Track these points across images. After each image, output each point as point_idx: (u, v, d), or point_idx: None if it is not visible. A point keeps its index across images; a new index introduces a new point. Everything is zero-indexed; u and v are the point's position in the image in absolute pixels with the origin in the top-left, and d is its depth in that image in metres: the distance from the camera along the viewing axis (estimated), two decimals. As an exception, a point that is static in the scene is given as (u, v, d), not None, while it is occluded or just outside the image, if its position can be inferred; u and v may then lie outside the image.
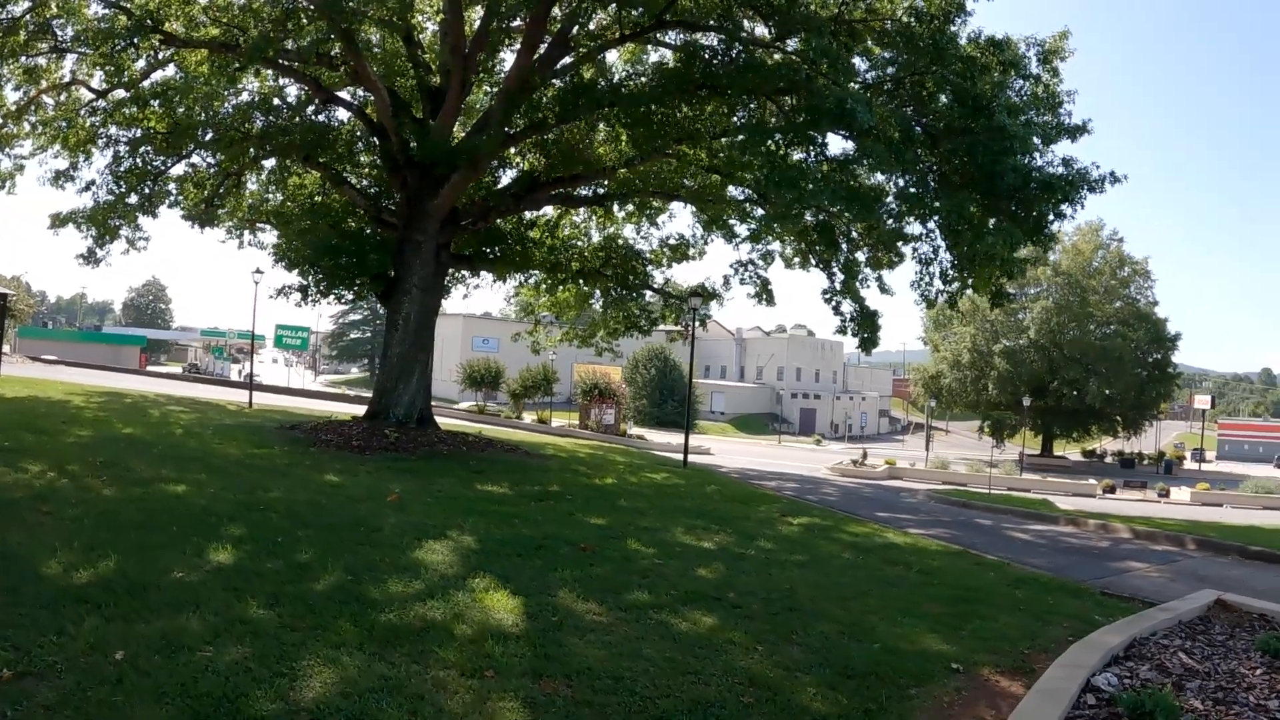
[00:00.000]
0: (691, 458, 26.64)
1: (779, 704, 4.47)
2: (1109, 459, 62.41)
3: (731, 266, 21.52)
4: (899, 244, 17.70)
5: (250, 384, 32.52)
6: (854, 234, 18.93)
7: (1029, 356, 53.41)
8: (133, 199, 18.99)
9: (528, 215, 21.23)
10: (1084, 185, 12.85)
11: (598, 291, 22.80)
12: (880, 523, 13.52)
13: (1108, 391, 51.36)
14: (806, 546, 9.68)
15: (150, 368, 66.32)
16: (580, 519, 9.67)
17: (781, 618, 6.15)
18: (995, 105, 12.61)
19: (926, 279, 15.78)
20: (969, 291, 16.77)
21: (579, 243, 22.24)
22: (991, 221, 13.88)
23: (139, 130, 18.06)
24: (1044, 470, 47.59)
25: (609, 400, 37.83)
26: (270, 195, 21.57)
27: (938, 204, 13.06)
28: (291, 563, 6.21)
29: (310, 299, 19.56)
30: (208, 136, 17.64)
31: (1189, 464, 61.25)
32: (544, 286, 22.76)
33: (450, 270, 19.88)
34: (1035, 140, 12.95)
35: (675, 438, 47.79)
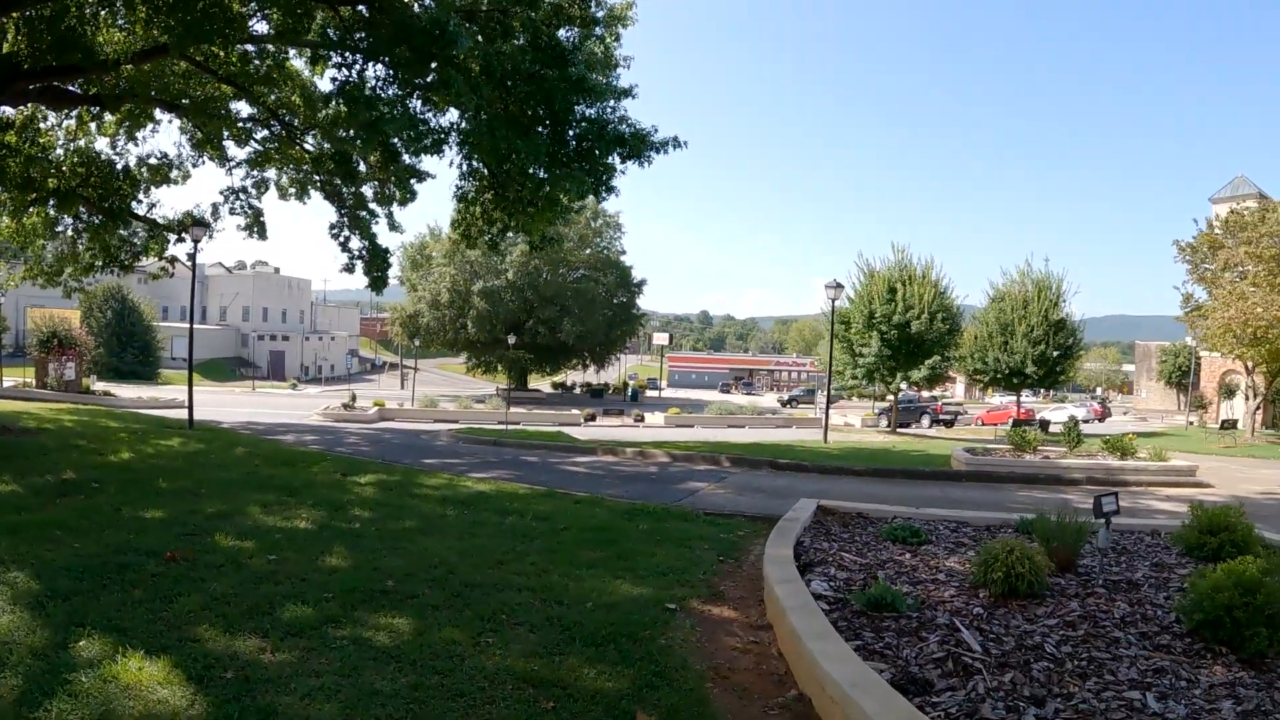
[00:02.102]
0: (165, 413, 24.54)
1: (576, 694, 4.05)
2: (578, 390, 70.22)
3: (222, 194, 19.19)
4: (413, 180, 17.44)
5: None
6: (361, 167, 18.06)
7: (507, 297, 57.18)
8: None
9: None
10: (651, 146, 13.73)
11: (67, 218, 18.77)
12: (441, 470, 13.31)
13: (580, 330, 57.50)
14: (405, 509, 9.03)
15: None
16: (133, 515, 7.68)
17: (469, 599, 5.58)
18: (574, 57, 12.81)
19: (470, 219, 15.71)
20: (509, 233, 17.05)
21: (52, 154, 17.90)
22: (538, 169, 14.19)
23: None
24: (525, 403, 51.77)
25: (71, 351, 32.09)
26: None
27: (517, 144, 12.88)
28: None
29: None
30: None
31: (650, 392, 71.92)
32: (7, 209, 18.13)
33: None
34: (608, 98, 13.55)
35: (144, 391, 43.46)
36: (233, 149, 18.50)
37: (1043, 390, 40.55)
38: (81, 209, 18.14)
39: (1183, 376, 60.74)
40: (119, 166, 18.62)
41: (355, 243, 18.31)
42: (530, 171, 13.88)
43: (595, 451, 18.01)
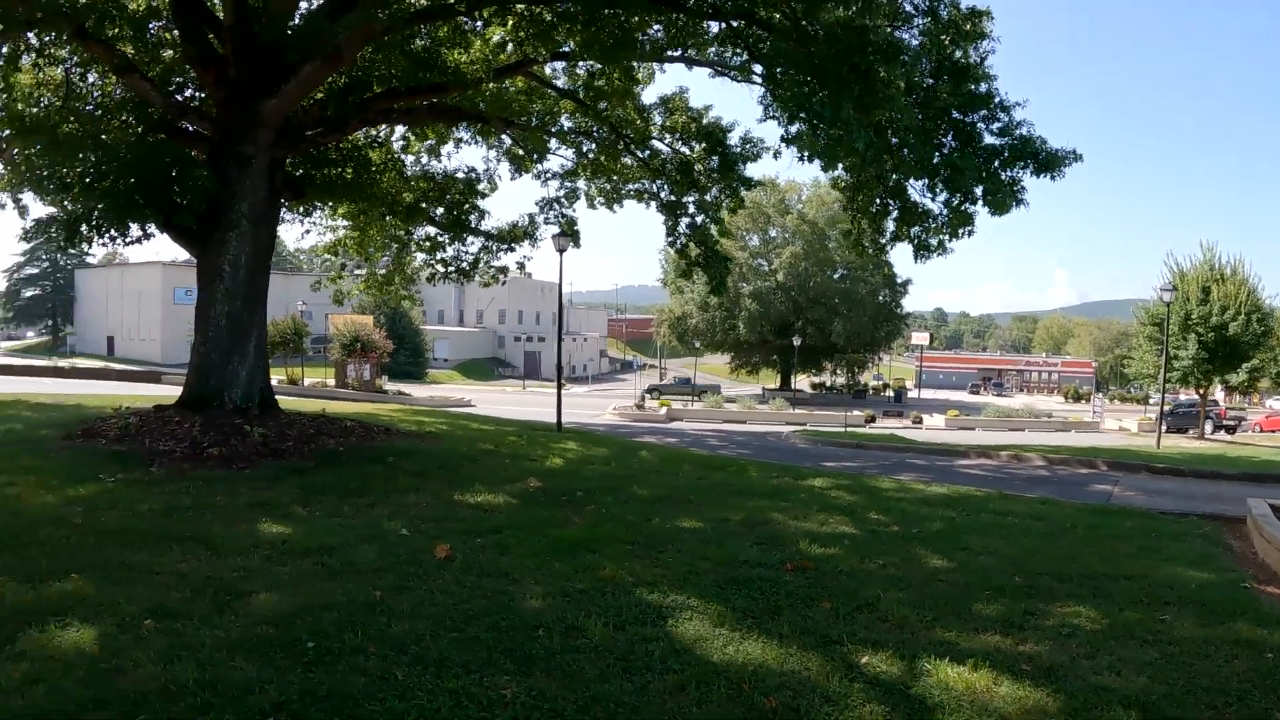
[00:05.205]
0: (456, 410, 26.90)
1: (1268, 648, 5.59)
2: (837, 391, 72.29)
3: (538, 204, 21.46)
4: (741, 188, 19.42)
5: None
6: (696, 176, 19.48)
7: (777, 299, 60.34)
8: None
9: (359, 133, 18.59)
10: (1060, 160, 14.19)
11: (402, 231, 21.34)
12: (853, 474, 14.45)
13: (849, 329, 59.89)
14: (910, 515, 9.79)
15: None
16: (671, 526, 8.38)
17: (1097, 588, 6.83)
18: (976, 73, 13.99)
19: (860, 230, 17.25)
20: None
21: (404, 171, 20.33)
22: (931, 184, 15.16)
23: None
24: (796, 403, 54.20)
25: (372, 354, 37.29)
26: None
27: (953, 158, 13.97)
28: None
29: (84, 237, 13.70)
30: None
31: (910, 393, 73.07)
32: (358, 223, 20.54)
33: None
34: (1011, 111, 14.54)
35: (428, 390, 50.58)
36: (544, 161, 20.65)
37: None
38: (430, 223, 20.51)
39: None
40: (469, 180, 20.33)
41: (693, 249, 20.43)
42: (937, 184, 14.93)
43: (968, 454, 19.89)
